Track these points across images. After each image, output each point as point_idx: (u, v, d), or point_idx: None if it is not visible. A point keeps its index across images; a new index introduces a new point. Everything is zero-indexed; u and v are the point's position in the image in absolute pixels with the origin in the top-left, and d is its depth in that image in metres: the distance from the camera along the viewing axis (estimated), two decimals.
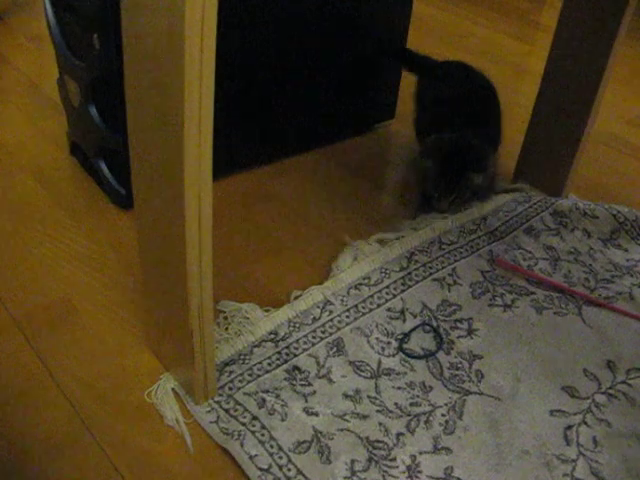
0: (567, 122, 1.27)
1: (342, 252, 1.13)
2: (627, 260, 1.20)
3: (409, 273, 1.10)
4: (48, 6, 1.18)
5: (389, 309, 1.04)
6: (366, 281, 1.07)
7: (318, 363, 0.93)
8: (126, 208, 1.22)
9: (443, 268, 1.13)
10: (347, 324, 1.00)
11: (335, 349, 0.96)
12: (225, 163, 1.32)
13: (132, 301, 1.02)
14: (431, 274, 1.11)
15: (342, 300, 1.03)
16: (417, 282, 1.09)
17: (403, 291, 1.07)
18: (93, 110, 1.17)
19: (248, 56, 1.24)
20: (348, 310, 1.02)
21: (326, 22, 1.32)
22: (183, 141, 0.64)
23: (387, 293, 1.06)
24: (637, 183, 1.47)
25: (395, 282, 1.08)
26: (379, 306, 1.04)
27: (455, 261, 1.15)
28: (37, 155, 1.36)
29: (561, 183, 1.32)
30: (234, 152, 1.33)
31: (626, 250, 1.22)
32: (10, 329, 0.96)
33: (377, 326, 1.00)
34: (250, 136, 1.35)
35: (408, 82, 1.49)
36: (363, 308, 1.03)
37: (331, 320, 1.00)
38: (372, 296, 1.05)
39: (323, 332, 0.98)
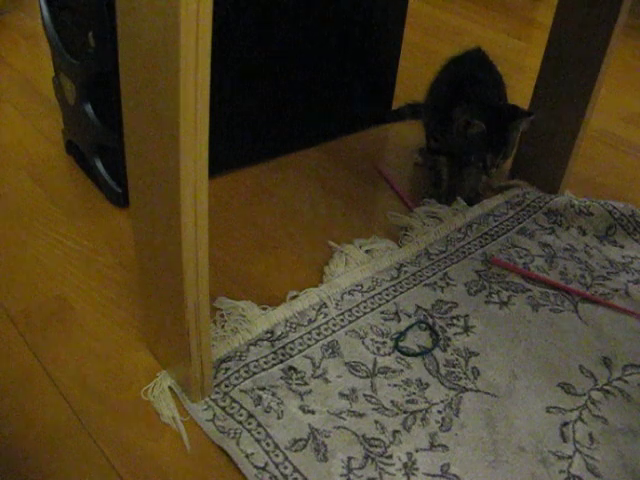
0: (563, 119, 1.27)
1: (333, 257, 1.13)
2: (623, 257, 1.20)
3: (400, 282, 1.10)
4: (43, 4, 1.18)
5: (383, 312, 1.04)
6: (359, 287, 1.07)
7: (314, 364, 0.93)
8: (122, 206, 1.22)
9: (434, 274, 1.12)
10: (342, 327, 1.00)
11: (330, 351, 0.96)
12: (221, 160, 1.32)
13: (128, 299, 1.02)
14: (422, 281, 1.11)
15: (337, 304, 1.03)
16: (409, 289, 1.09)
17: (395, 296, 1.07)
18: (89, 108, 1.17)
19: (246, 54, 1.23)
20: (342, 314, 1.02)
21: (323, 20, 1.32)
22: (179, 139, 0.64)
23: (380, 299, 1.06)
24: (633, 180, 1.47)
25: (387, 289, 1.08)
26: (373, 309, 1.04)
27: (446, 267, 1.14)
28: (33, 153, 1.36)
29: (557, 180, 1.32)
30: (231, 149, 1.33)
31: (622, 246, 1.22)
32: (6, 327, 0.95)
33: (372, 328, 1.00)
34: (247, 133, 1.34)
35: (404, 80, 1.49)
36: (357, 312, 1.03)
37: (326, 323, 1.00)
38: (365, 301, 1.05)
39: (318, 334, 0.98)
